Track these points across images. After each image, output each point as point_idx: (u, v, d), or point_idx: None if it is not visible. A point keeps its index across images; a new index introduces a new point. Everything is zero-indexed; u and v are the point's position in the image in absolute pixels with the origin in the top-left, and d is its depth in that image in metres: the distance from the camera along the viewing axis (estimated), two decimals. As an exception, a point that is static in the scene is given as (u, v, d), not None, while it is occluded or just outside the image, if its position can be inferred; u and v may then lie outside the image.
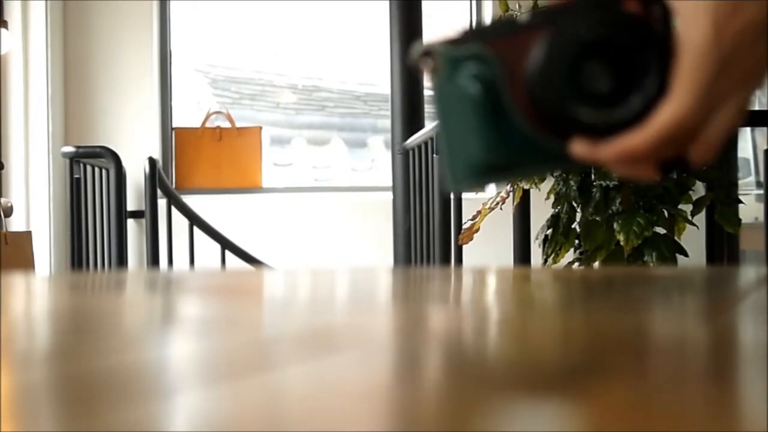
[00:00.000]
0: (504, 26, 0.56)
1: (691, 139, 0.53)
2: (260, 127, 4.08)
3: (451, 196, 2.40)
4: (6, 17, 3.50)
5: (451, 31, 0.56)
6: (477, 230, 2.17)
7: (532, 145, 0.56)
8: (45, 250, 3.62)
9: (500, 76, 0.55)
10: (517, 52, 0.55)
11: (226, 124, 4.07)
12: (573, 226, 2.09)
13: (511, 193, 2.17)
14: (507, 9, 2.33)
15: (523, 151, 0.56)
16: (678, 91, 0.51)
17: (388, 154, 3.54)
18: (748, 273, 0.64)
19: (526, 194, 2.21)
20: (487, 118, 0.55)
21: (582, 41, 0.54)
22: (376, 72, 4.10)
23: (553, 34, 0.54)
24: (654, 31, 0.53)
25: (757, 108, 3.60)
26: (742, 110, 0.53)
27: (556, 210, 2.10)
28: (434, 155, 2.44)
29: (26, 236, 0.99)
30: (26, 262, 0.97)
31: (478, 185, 0.57)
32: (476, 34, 0.56)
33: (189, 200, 3.78)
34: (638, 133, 0.52)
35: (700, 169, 2.06)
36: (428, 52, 0.56)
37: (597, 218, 2.01)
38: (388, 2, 3.24)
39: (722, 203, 2.06)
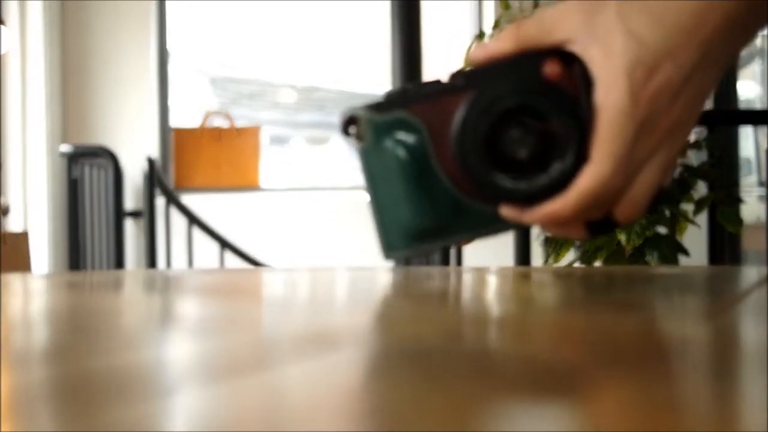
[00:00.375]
0: (428, 90, 0.56)
1: (616, 200, 0.53)
2: (259, 127, 4.09)
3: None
4: (3, 17, 3.49)
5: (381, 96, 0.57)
6: (477, 230, 2.16)
7: (464, 208, 0.56)
8: (43, 250, 3.62)
9: (427, 141, 0.55)
10: (441, 116, 0.55)
11: (226, 124, 4.07)
12: (574, 225, 2.08)
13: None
14: (507, 7, 2.33)
15: (455, 214, 0.56)
16: (597, 156, 0.52)
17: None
18: (749, 273, 0.63)
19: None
20: (416, 183, 0.55)
21: (499, 109, 0.54)
22: (375, 72, 4.10)
23: (472, 101, 0.54)
24: (572, 97, 0.53)
25: (759, 107, 3.60)
26: (668, 167, 0.54)
27: (557, 210, 2.09)
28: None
29: (23, 237, 0.99)
30: (23, 264, 0.97)
31: (412, 251, 0.56)
32: (400, 99, 0.56)
33: (188, 200, 3.78)
34: (560, 198, 0.53)
35: (701, 169, 2.05)
36: (353, 119, 0.56)
37: (598, 218, 2.00)
38: (387, 2, 3.24)
39: (724, 203, 2.05)
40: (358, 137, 0.57)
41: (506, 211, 0.54)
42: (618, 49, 0.51)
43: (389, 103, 0.56)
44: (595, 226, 0.55)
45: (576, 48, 0.53)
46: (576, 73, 0.53)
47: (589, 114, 0.53)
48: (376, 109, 0.56)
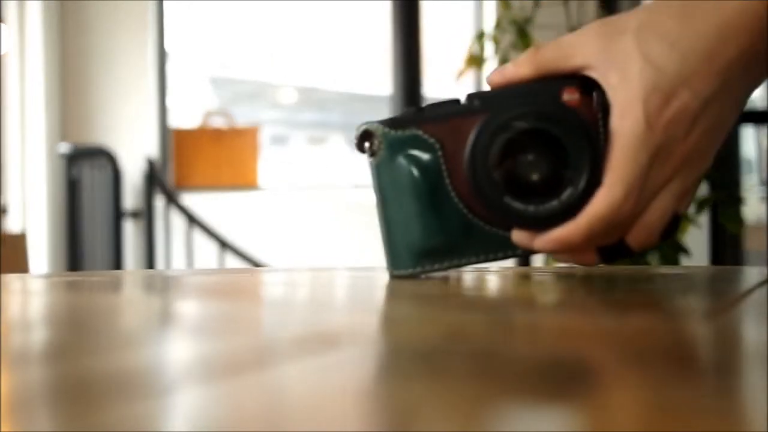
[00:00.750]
0: (444, 110, 0.56)
1: (629, 226, 0.53)
2: (258, 127, 4.09)
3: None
4: (2, 17, 3.49)
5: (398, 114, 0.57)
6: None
7: (474, 230, 0.55)
8: (41, 251, 3.62)
9: (440, 161, 0.55)
10: (456, 137, 0.55)
11: (225, 124, 4.08)
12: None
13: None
14: (508, 8, 2.33)
15: (464, 236, 0.56)
16: (609, 181, 0.52)
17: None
18: (751, 273, 0.63)
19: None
20: (427, 202, 0.55)
21: (512, 132, 0.53)
22: (375, 72, 4.10)
23: (484, 122, 0.54)
24: (589, 124, 0.53)
25: (760, 107, 3.60)
26: (684, 195, 0.54)
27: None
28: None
29: (20, 238, 0.99)
30: (21, 265, 0.97)
31: (419, 270, 0.56)
32: (416, 117, 0.56)
33: (187, 200, 3.78)
34: (571, 223, 0.52)
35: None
36: (368, 134, 0.56)
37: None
38: (387, 3, 3.24)
39: (725, 203, 2.05)
40: (372, 152, 0.56)
41: (517, 236, 0.54)
42: (634, 75, 0.51)
43: (405, 120, 0.56)
44: (608, 252, 0.55)
45: (594, 74, 0.53)
46: (595, 101, 0.53)
47: (604, 142, 0.53)
48: (392, 125, 0.56)
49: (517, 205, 0.53)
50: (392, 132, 0.56)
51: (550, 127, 0.53)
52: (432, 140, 0.55)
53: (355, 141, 0.57)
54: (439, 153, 0.55)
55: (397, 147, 0.56)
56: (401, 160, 0.56)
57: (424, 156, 0.55)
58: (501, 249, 0.56)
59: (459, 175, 0.55)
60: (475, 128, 0.54)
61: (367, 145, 0.57)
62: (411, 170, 0.55)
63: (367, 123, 0.56)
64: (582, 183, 0.52)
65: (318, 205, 3.97)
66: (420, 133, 0.55)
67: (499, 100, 0.54)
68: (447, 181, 0.55)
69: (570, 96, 0.54)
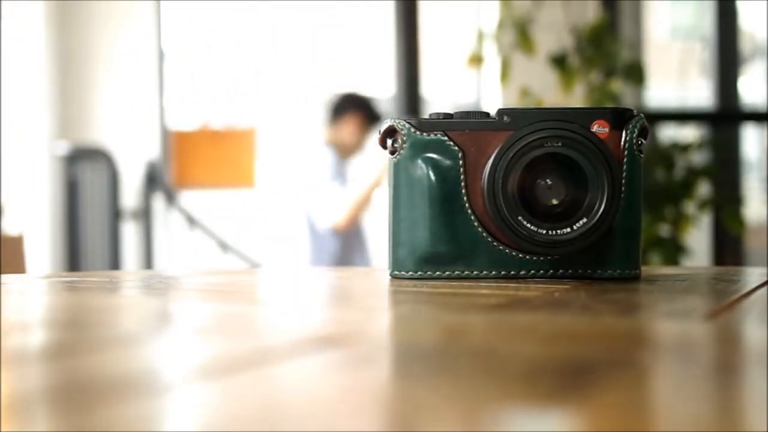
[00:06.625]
0: (473, 120, 0.56)
1: None
2: (257, 127, 4.10)
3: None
4: (2, 17, 3.50)
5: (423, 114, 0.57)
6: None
7: (481, 244, 0.56)
8: (40, 251, 3.62)
9: (460, 170, 0.55)
10: (479, 149, 0.55)
11: (224, 125, 4.08)
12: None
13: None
14: (508, 7, 2.32)
15: (471, 248, 0.56)
16: None
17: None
18: (751, 273, 0.63)
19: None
20: (439, 207, 0.55)
21: (535, 153, 0.54)
22: (375, 72, 4.11)
23: (509, 140, 0.54)
24: (613, 156, 0.54)
25: (760, 107, 3.60)
26: None
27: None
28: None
29: (18, 240, 0.99)
30: (18, 267, 0.97)
31: (420, 275, 0.56)
32: (444, 122, 0.56)
33: (187, 200, 3.78)
34: None
35: (705, 170, 2.05)
36: (393, 131, 0.56)
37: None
38: (388, 4, 3.24)
39: (726, 203, 2.05)
40: (394, 149, 0.56)
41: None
42: None
43: (432, 123, 0.56)
44: None
45: None
46: (627, 135, 0.54)
47: (626, 178, 0.54)
48: (418, 126, 0.56)
49: (530, 226, 0.53)
50: (417, 132, 0.56)
51: (574, 154, 0.53)
52: (455, 148, 0.55)
53: (378, 135, 0.57)
54: (461, 162, 0.55)
55: (419, 148, 0.56)
56: (421, 162, 0.55)
57: (445, 162, 0.55)
58: (505, 267, 0.56)
59: (476, 186, 0.55)
60: (500, 143, 0.54)
61: (389, 141, 0.57)
62: (429, 173, 0.55)
63: (393, 119, 0.56)
64: (597, 215, 0.53)
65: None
66: (445, 138, 0.55)
67: (529, 120, 0.54)
68: (463, 191, 0.55)
69: (600, 128, 0.54)
